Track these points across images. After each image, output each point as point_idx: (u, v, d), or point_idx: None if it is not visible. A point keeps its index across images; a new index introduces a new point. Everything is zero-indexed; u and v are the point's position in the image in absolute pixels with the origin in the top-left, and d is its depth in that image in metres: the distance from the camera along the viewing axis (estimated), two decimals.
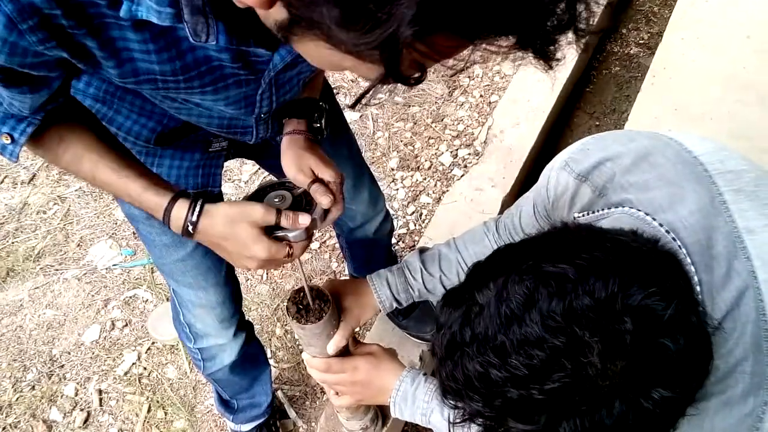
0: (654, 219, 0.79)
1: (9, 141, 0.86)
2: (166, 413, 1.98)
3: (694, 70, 2.30)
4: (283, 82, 0.97)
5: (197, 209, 0.92)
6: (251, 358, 1.60)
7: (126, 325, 2.18)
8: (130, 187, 0.92)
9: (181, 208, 0.92)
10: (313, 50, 0.59)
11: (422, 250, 1.20)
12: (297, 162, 1.04)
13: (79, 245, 2.38)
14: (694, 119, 2.14)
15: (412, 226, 2.30)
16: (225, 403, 1.75)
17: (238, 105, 0.95)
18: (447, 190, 2.32)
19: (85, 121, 0.94)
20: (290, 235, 0.94)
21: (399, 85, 0.58)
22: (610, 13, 2.92)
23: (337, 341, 1.09)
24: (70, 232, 2.42)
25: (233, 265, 1.05)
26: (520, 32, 0.52)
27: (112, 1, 0.68)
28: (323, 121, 1.12)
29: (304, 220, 0.94)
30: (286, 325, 2.12)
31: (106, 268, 2.31)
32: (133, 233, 2.35)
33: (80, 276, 2.30)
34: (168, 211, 0.92)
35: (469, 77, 2.69)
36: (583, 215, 0.89)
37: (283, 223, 0.93)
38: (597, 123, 2.63)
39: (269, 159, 1.36)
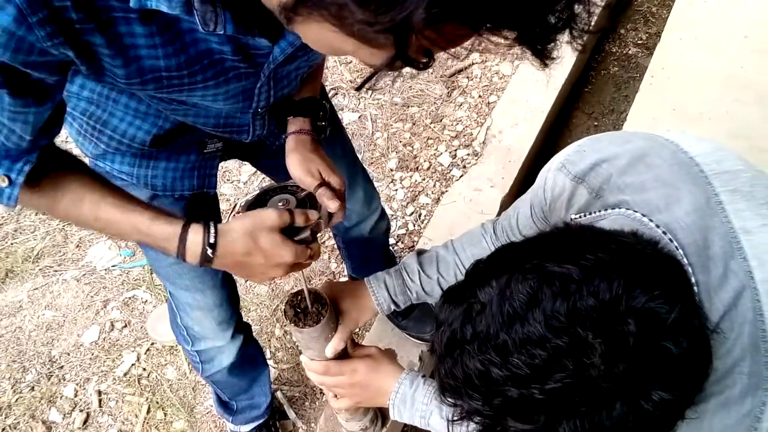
0: (650, 220, 0.79)
1: (6, 183, 0.82)
2: (165, 414, 1.98)
3: (693, 70, 2.31)
4: (281, 77, 0.97)
5: (212, 230, 0.90)
6: (250, 359, 1.60)
7: (125, 326, 2.18)
8: (138, 220, 0.89)
9: (196, 233, 0.90)
10: (316, 32, 0.60)
11: (420, 252, 1.20)
12: (305, 164, 1.04)
13: (78, 246, 2.39)
14: (692, 119, 2.15)
15: (411, 227, 2.30)
16: (224, 405, 1.75)
17: (237, 99, 0.95)
18: (446, 191, 2.32)
19: (79, 166, 0.91)
20: (296, 238, 0.94)
21: (398, 85, 0.58)
22: (608, 14, 2.92)
23: (335, 344, 1.09)
24: (69, 233, 2.42)
25: (258, 282, 1.03)
26: (521, 27, 0.53)
27: None
28: (327, 121, 1.13)
29: (313, 214, 0.95)
30: (285, 325, 2.12)
31: (105, 269, 2.31)
32: None
33: (79, 277, 2.30)
34: (183, 238, 0.89)
35: (467, 78, 2.69)
36: (580, 217, 0.89)
37: (298, 221, 0.93)
38: (595, 123, 2.63)
39: (265, 160, 1.36)
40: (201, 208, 1.25)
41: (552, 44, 0.56)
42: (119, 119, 1.04)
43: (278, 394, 1.98)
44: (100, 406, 2.01)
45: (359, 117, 2.62)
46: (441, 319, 0.72)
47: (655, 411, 0.62)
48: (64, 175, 0.88)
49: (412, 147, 2.50)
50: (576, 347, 0.61)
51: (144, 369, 2.07)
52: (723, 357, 0.74)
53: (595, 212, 0.87)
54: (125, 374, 2.06)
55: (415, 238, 2.26)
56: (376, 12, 0.49)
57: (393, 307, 1.18)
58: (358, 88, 0.64)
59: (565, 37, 0.56)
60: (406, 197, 2.37)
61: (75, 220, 0.90)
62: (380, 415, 1.37)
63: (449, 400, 0.71)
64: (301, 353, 1.16)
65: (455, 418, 0.71)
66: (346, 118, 2.62)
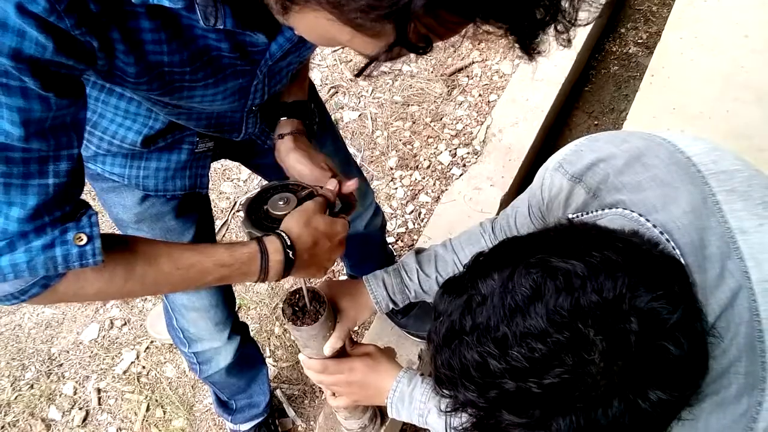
0: (647, 220, 0.79)
1: (85, 241, 0.74)
2: (164, 412, 1.98)
3: (693, 69, 2.30)
4: (274, 73, 0.97)
5: (284, 235, 0.91)
6: (247, 359, 1.60)
7: (125, 323, 2.18)
8: (217, 254, 0.88)
9: (272, 243, 0.91)
10: (312, 22, 0.60)
11: (418, 251, 1.20)
12: (313, 158, 1.07)
13: None
14: (692, 118, 2.14)
15: (410, 225, 2.31)
16: (223, 404, 1.75)
17: (234, 98, 0.95)
18: (446, 189, 2.32)
19: (123, 236, 0.87)
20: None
21: (398, 83, 0.60)
22: (608, 14, 2.92)
23: (333, 342, 1.09)
24: None
25: (322, 275, 1.04)
26: (509, 19, 0.55)
27: None
28: (316, 123, 1.14)
29: (352, 183, 1.05)
30: (284, 324, 2.12)
31: None
32: None
33: None
34: (264, 251, 0.89)
35: (468, 77, 2.69)
36: (578, 216, 0.89)
37: (329, 197, 1.00)
38: (596, 122, 2.63)
39: (256, 159, 1.37)
40: (193, 208, 1.25)
41: (538, 38, 0.57)
42: (109, 120, 1.04)
43: (277, 392, 1.98)
44: (99, 404, 2.01)
45: (359, 115, 2.62)
46: (440, 309, 0.71)
47: (652, 410, 0.62)
48: (124, 240, 0.83)
49: (412, 145, 2.50)
50: (576, 343, 0.61)
51: (143, 367, 2.08)
52: (719, 357, 0.74)
53: (592, 212, 0.87)
54: (124, 372, 2.06)
55: (415, 237, 2.26)
56: None
57: (391, 305, 1.18)
58: (358, 75, 0.65)
59: (550, 33, 0.59)
60: (406, 196, 2.37)
61: (154, 278, 0.84)
62: (379, 413, 1.38)
63: (444, 391, 0.71)
64: (299, 352, 1.16)
65: (449, 409, 0.71)
66: (346, 116, 2.62)
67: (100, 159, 1.11)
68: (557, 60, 2.57)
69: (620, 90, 2.70)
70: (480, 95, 2.62)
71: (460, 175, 2.34)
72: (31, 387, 2.06)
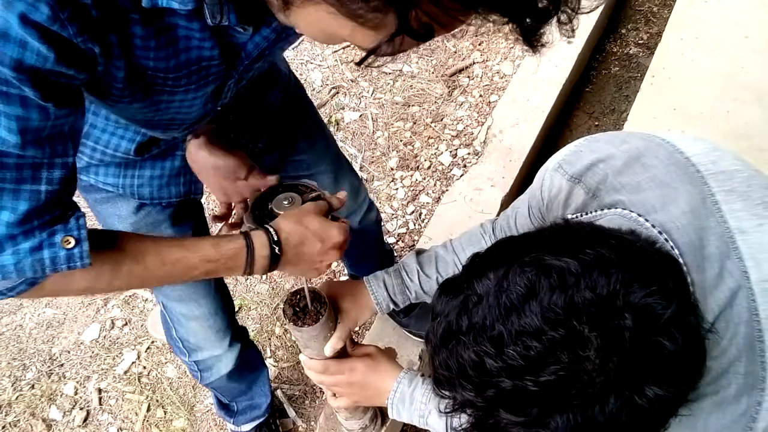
0: (646, 220, 0.79)
1: (73, 244, 0.73)
2: (165, 412, 1.98)
3: (693, 70, 2.30)
4: (245, 72, 0.95)
5: (271, 230, 0.92)
6: (248, 362, 1.59)
7: (126, 324, 2.18)
8: (203, 249, 0.88)
9: (259, 237, 0.91)
10: (313, 16, 0.60)
11: (419, 252, 1.20)
12: (237, 153, 1.11)
13: None
14: (693, 119, 2.14)
15: (411, 226, 2.31)
16: (225, 407, 1.75)
17: (209, 102, 0.94)
18: (446, 190, 2.32)
19: (111, 232, 0.86)
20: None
21: (399, 84, 0.61)
22: (608, 14, 2.92)
23: (334, 343, 1.09)
24: None
25: (316, 275, 1.04)
26: (511, 10, 0.56)
27: None
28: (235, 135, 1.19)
29: (342, 194, 1.03)
30: (285, 324, 2.12)
31: None
32: None
33: None
34: (249, 245, 0.90)
35: (468, 77, 2.69)
36: (577, 216, 0.89)
37: (335, 203, 1.00)
38: (596, 123, 2.63)
39: None
40: (188, 216, 1.24)
41: (541, 29, 0.57)
42: (101, 130, 1.03)
43: (278, 392, 1.98)
44: (100, 404, 2.01)
45: (360, 116, 2.62)
46: (437, 310, 0.72)
47: (649, 406, 0.62)
48: (111, 239, 0.83)
49: (413, 146, 2.51)
50: (571, 340, 0.61)
51: (144, 367, 2.08)
52: (718, 357, 0.74)
53: (591, 212, 0.87)
54: (125, 372, 2.07)
55: (416, 237, 2.26)
56: None
57: (392, 306, 1.18)
58: (359, 63, 0.65)
59: (555, 22, 0.58)
60: (407, 196, 2.37)
61: (140, 275, 0.85)
62: (380, 413, 1.38)
63: (443, 392, 0.71)
64: (300, 352, 1.16)
65: (448, 410, 0.71)
66: (347, 117, 2.62)
67: (93, 169, 1.10)
68: (558, 61, 2.57)
69: (621, 90, 2.71)
70: (481, 96, 2.62)
71: (461, 176, 2.34)
72: (32, 387, 2.06)
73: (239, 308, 2.16)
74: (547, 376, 0.61)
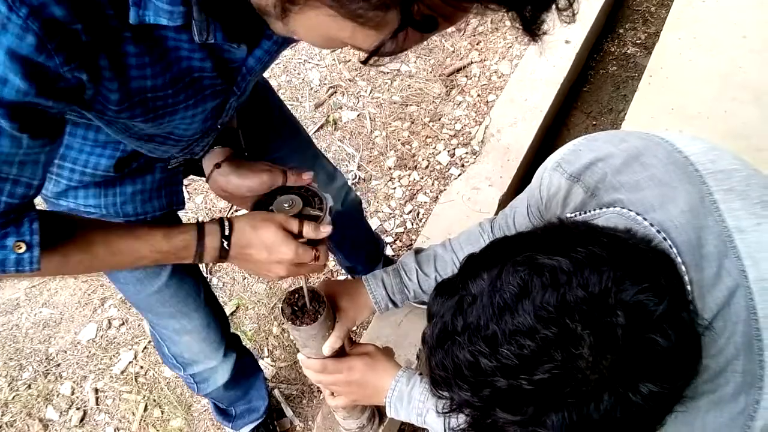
0: (645, 218, 0.80)
1: (24, 249, 0.74)
2: (162, 412, 1.98)
3: (691, 69, 2.31)
4: (244, 89, 0.95)
5: (226, 224, 0.93)
6: (244, 370, 1.58)
7: (122, 323, 2.18)
8: (154, 239, 0.89)
9: (211, 229, 0.93)
10: (312, 21, 0.60)
11: (418, 251, 1.20)
12: (253, 168, 1.08)
13: None
14: (690, 119, 2.15)
15: (409, 225, 2.31)
16: (222, 412, 1.75)
17: (210, 119, 0.94)
18: (444, 189, 2.32)
19: (66, 218, 0.88)
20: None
21: (397, 83, 0.61)
22: (606, 14, 2.92)
23: (332, 342, 1.09)
24: None
25: (268, 279, 1.05)
26: (510, 3, 0.55)
27: (118, 11, 0.67)
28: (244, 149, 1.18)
29: (326, 229, 0.98)
30: (283, 324, 2.12)
31: None
32: None
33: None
34: (201, 237, 0.91)
35: (466, 77, 2.69)
36: (576, 215, 0.89)
37: (306, 232, 0.96)
38: (594, 123, 2.63)
39: None
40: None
41: (541, 17, 0.57)
42: (78, 150, 0.99)
43: (276, 392, 1.98)
44: (97, 404, 2.01)
45: (358, 115, 2.62)
46: (433, 311, 0.73)
47: (643, 403, 0.63)
48: (63, 228, 0.83)
49: (411, 145, 2.50)
50: (564, 338, 0.61)
51: (141, 367, 2.07)
52: (716, 355, 0.74)
53: (590, 211, 0.87)
54: (122, 372, 2.06)
55: (414, 237, 2.26)
56: None
57: (390, 305, 1.18)
58: (364, 62, 0.65)
59: (550, 14, 0.58)
60: (405, 196, 2.37)
61: (89, 264, 0.86)
62: (378, 413, 1.38)
63: (440, 392, 0.71)
64: (298, 351, 1.16)
65: (445, 410, 0.72)
66: (345, 116, 2.62)
67: (71, 193, 1.06)
68: (556, 60, 2.57)
69: (619, 90, 2.71)
70: (478, 95, 2.62)
71: (459, 175, 2.34)
72: (29, 387, 2.06)
73: (236, 308, 2.16)
74: (542, 374, 0.62)
